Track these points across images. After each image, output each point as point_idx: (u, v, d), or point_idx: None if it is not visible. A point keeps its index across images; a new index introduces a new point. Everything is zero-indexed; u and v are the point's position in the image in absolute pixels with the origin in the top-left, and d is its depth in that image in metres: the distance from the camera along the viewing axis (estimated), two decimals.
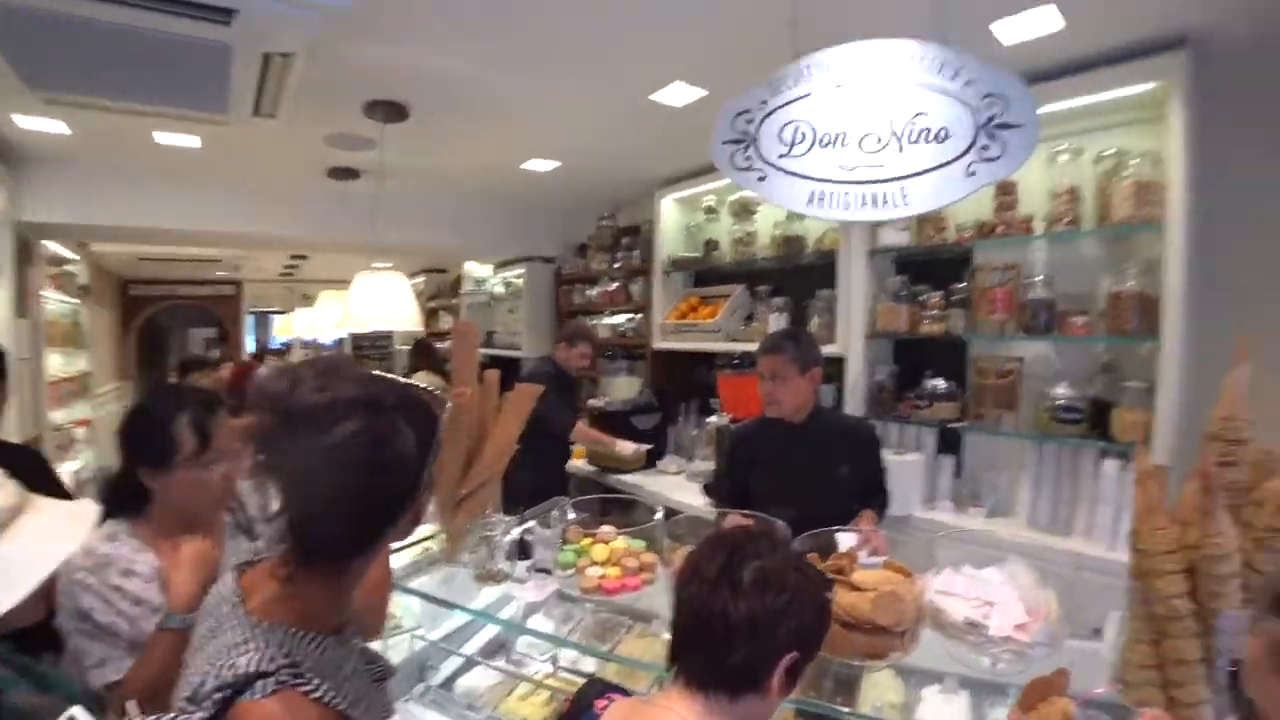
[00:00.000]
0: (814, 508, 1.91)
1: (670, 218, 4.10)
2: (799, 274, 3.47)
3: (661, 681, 1.62)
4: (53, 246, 4.86)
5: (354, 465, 0.80)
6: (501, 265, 5.94)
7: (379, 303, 3.31)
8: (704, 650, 0.91)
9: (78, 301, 5.78)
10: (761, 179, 1.74)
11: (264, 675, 0.75)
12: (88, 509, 1.13)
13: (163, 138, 3.26)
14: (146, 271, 8.77)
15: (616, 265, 4.68)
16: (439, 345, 5.85)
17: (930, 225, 2.88)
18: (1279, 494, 1.08)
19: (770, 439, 2.30)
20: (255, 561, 0.94)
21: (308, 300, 9.12)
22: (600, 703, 1.00)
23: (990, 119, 1.56)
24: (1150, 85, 2.29)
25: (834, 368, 3.14)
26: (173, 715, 0.75)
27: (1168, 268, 2.21)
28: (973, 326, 2.72)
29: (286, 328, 9.27)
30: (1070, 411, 2.43)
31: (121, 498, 1.37)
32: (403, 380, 0.95)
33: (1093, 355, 2.54)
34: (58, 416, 4.70)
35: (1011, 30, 2.21)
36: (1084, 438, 2.43)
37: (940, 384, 2.82)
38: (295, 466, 0.80)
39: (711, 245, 3.88)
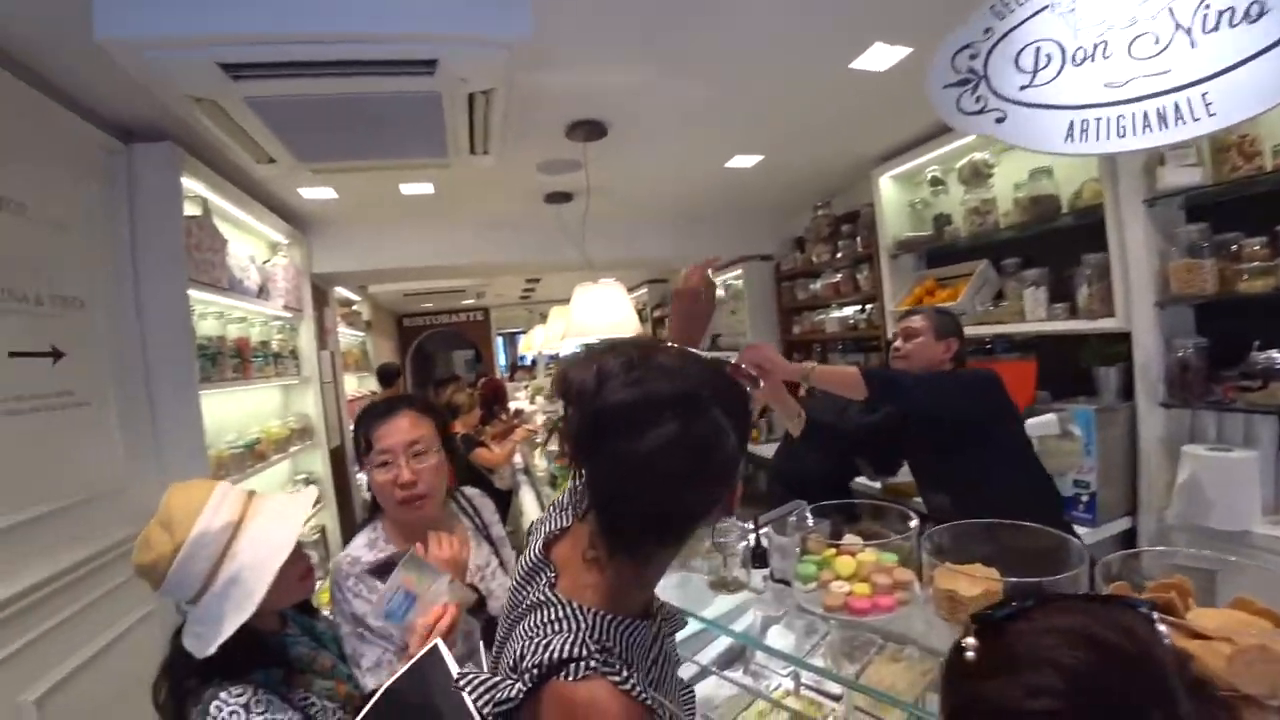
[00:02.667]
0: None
1: (891, 197, 3.75)
2: (1054, 239, 2.95)
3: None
4: (341, 291, 5.81)
5: (674, 473, 0.75)
6: (719, 269, 5.93)
7: (598, 312, 3.43)
8: None
9: (363, 334, 6.88)
10: (1000, 120, 1.46)
11: (575, 660, 0.75)
12: (299, 504, 1.24)
13: (406, 188, 3.71)
14: (412, 305, 10.21)
15: (838, 255, 4.41)
16: None
17: (1235, 152, 2.25)
18: None
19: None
20: (562, 534, 0.94)
21: (544, 320, 9.92)
22: None
23: None
24: None
25: (1119, 345, 2.62)
26: (498, 679, 0.78)
27: None
28: None
29: (529, 345, 10.18)
30: None
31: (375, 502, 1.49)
32: (708, 357, 0.89)
33: None
34: None
35: None
36: None
37: (1276, 356, 2.19)
38: (609, 470, 0.78)
39: (943, 220, 3.47)
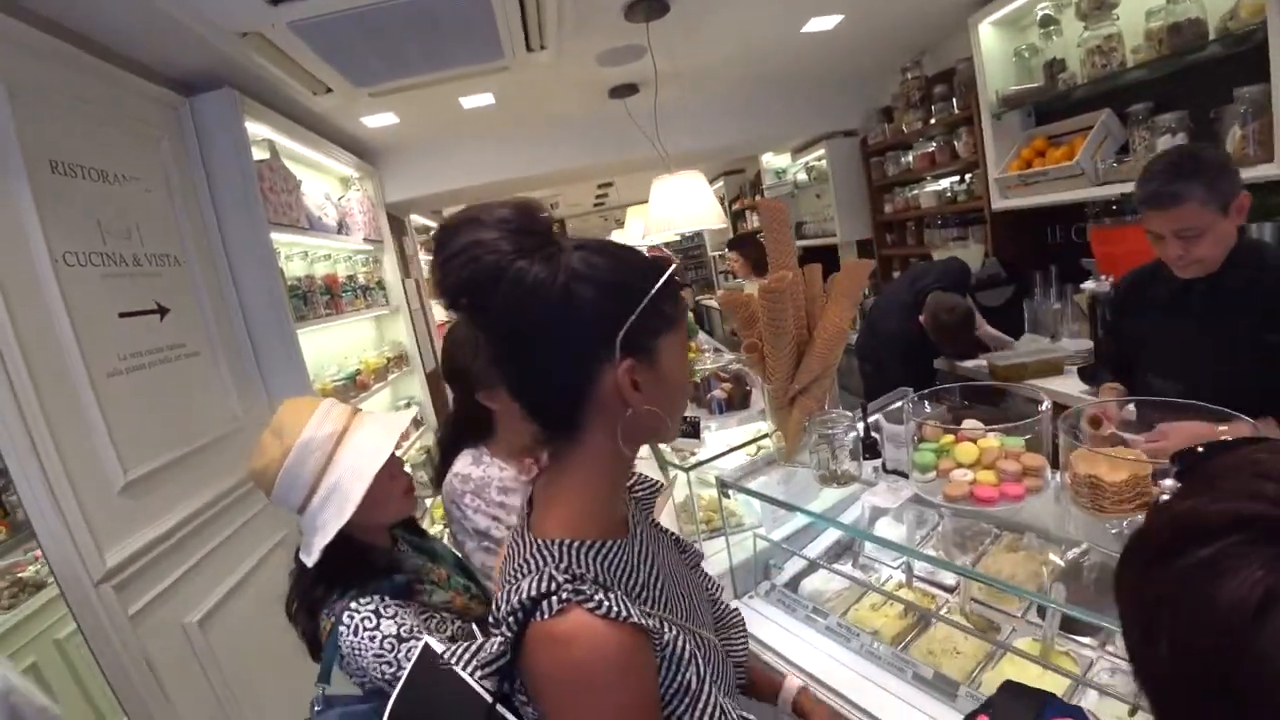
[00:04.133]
0: (1215, 385, 1.34)
1: (993, 46, 3.30)
2: (1196, 75, 2.52)
3: (1043, 612, 1.33)
4: (417, 219, 5.87)
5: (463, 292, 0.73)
6: (800, 150, 5.54)
7: (678, 204, 3.26)
8: None
9: None
10: None
11: (547, 595, 0.71)
12: (398, 418, 1.30)
13: (466, 102, 3.58)
14: None
15: (932, 122, 3.99)
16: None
17: None
18: None
19: (1161, 292, 1.74)
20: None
21: (620, 226, 9.77)
22: None
23: None
24: None
25: (1278, 196, 2.27)
26: (482, 640, 0.75)
27: None
28: None
29: None
30: None
31: (469, 426, 1.50)
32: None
33: None
34: None
35: None
36: None
37: None
38: (488, 324, 0.76)
39: (1055, 67, 3.02)
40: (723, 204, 7.60)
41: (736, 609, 1.09)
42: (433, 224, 6.80)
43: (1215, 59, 2.43)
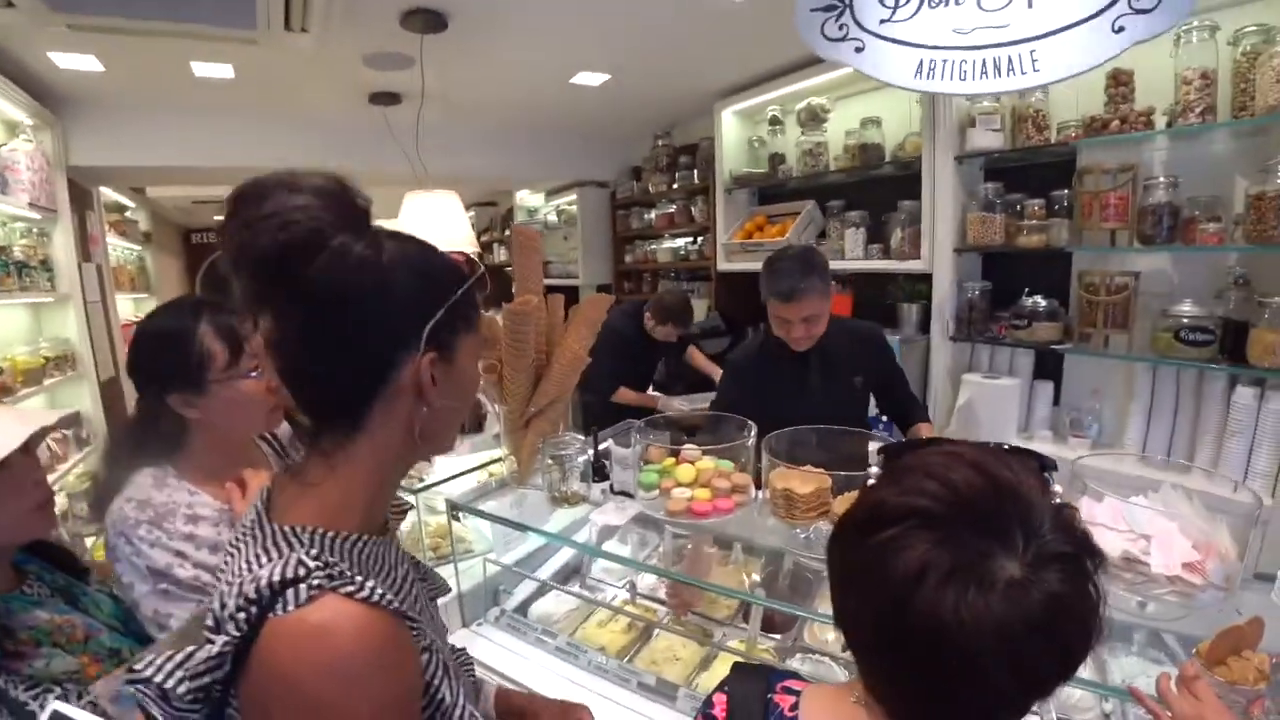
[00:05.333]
0: (837, 417, 1.72)
1: (731, 132, 3.85)
2: (876, 185, 3.22)
3: (746, 610, 1.53)
4: (111, 194, 4.92)
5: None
6: (553, 193, 5.79)
7: (430, 224, 3.13)
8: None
9: (140, 247, 5.92)
10: (859, 50, 1.53)
11: (293, 582, 0.60)
12: (39, 413, 1.07)
13: (199, 68, 3.15)
14: (203, 217, 8.86)
15: (675, 186, 4.49)
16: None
17: (1029, 124, 2.56)
18: None
19: (777, 362, 2.17)
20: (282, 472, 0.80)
21: None
22: (784, 699, 0.76)
23: None
24: None
25: (921, 285, 2.95)
26: (192, 648, 0.61)
27: None
28: (1078, 237, 2.44)
29: None
30: (1199, 332, 2.16)
31: (152, 437, 1.20)
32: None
33: (1222, 268, 2.23)
34: None
35: None
36: (1210, 362, 2.17)
37: (1040, 302, 2.57)
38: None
39: (777, 159, 3.63)
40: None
41: (464, 649, 1.01)
42: (130, 203, 5.75)
43: (888, 176, 3.11)
